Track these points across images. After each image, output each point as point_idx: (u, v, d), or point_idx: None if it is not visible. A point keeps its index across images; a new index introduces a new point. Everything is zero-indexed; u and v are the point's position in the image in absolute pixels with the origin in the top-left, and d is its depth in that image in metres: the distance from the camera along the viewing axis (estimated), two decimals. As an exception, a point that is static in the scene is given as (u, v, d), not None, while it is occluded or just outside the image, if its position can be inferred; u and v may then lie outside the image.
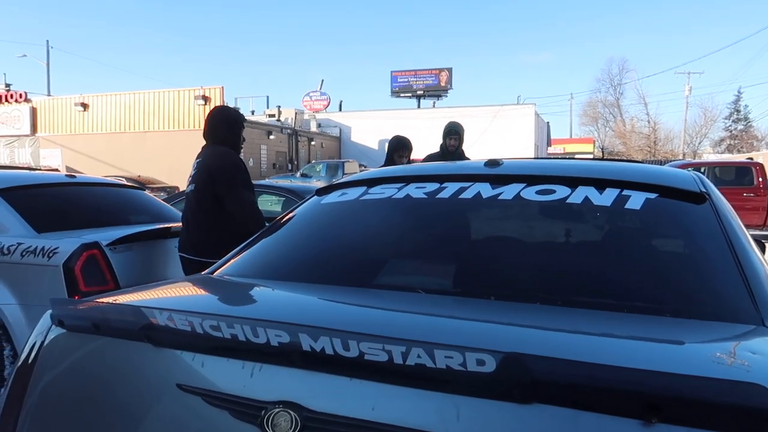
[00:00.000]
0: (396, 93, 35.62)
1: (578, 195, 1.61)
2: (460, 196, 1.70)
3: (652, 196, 1.60)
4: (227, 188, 3.29)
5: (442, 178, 1.84)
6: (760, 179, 12.36)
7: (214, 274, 1.71)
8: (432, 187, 1.79)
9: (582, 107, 58.19)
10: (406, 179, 1.90)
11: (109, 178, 5.08)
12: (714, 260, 1.42)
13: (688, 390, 0.76)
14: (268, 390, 0.95)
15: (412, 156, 5.02)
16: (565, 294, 1.34)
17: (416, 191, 1.79)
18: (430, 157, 5.13)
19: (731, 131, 52.88)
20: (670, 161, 20.69)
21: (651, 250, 1.55)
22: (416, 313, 1.25)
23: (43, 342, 1.27)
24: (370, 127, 30.09)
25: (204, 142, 3.55)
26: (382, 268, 1.61)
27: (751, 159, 15.80)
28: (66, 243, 3.23)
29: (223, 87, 21.56)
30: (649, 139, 52.48)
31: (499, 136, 27.36)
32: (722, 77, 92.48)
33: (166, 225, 3.93)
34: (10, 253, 3.31)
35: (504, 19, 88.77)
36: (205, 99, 21.38)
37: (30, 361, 1.27)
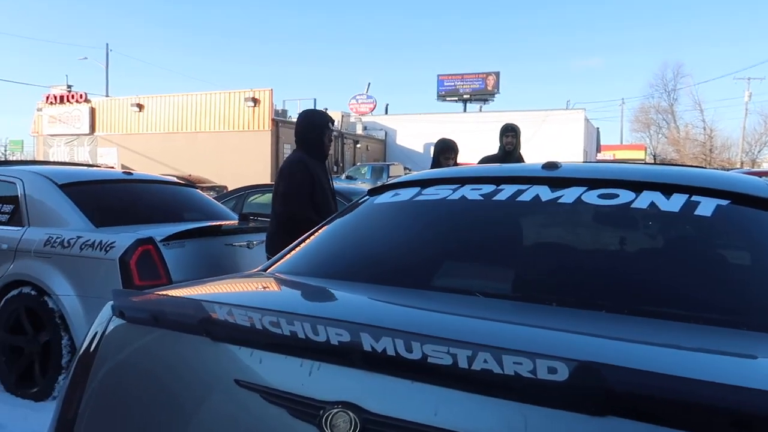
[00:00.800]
0: (442, 97, 35.49)
1: (643, 200, 1.54)
2: (518, 199, 1.65)
3: (724, 202, 1.51)
4: (282, 202, 3.35)
5: (498, 180, 1.79)
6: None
7: (267, 271, 1.71)
8: (488, 189, 1.74)
9: (634, 113, 56.63)
10: (461, 180, 1.86)
11: (161, 176, 5.21)
12: None
13: None
14: (327, 389, 0.93)
15: (459, 159, 4.96)
16: (633, 303, 1.28)
17: (472, 193, 1.75)
18: (487, 159, 5.07)
19: (794, 139, 50.43)
20: (728, 170, 19.91)
21: (723, 259, 1.46)
22: (475, 317, 1.21)
23: (104, 332, 1.29)
24: (415, 131, 30.05)
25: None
26: (438, 270, 1.57)
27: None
28: (122, 238, 3.32)
29: (272, 89, 21.97)
30: (705, 146, 50.56)
31: (548, 142, 26.88)
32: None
33: (218, 222, 4.01)
34: (70, 246, 3.43)
35: (554, 23, 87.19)
36: (255, 101, 21.80)
37: (92, 349, 1.29)
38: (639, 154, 43.10)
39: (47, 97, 26.02)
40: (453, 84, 35.34)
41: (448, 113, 32.54)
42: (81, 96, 25.50)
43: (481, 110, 33.48)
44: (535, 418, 0.81)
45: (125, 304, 1.25)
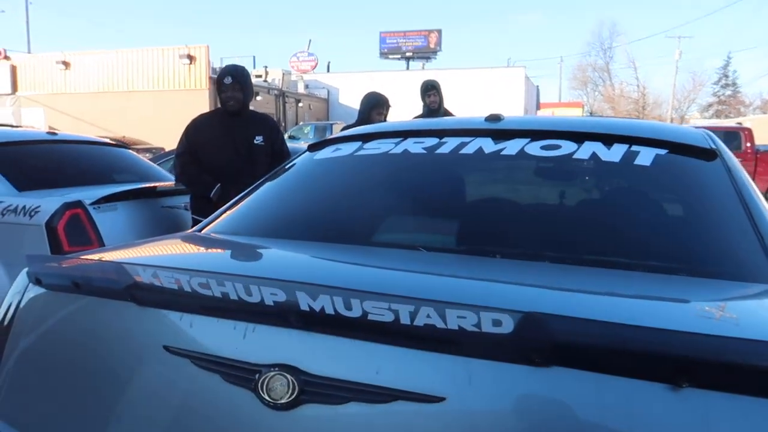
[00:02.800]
0: (385, 54, 35.08)
1: (585, 150, 1.54)
2: (461, 152, 1.62)
3: (662, 152, 1.53)
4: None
5: (441, 133, 1.76)
6: (748, 144, 12.40)
7: (202, 231, 1.63)
8: (431, 142, 1.70)
9: (572, 71, 57.75)
10: (404, 134, 1.81)
11: (91, 137, 4.92)
12: (728, 218, 1.36)
13: (726, 352, 0.71)
14: (262, 352, 0.89)
15: (404, 118, 4.87)
16: (574, 252, 1.28)
17: (414, 146, 1.70)
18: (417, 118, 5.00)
19: (719, 96, 52.83)
20: (660, 126, 20.62)
21: (662, 208, 1.48)
22: (419, 272, 1.18)
23: (20, 302, 1.19)
24: (358, 89, 29.48)
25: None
26: (380, 225, 1.54)
27: (740, 124, 15.80)
28: (48, 202, 3.12)
29: (208, 46, 21.04)
30: (638, 103, 52.31)
31: (489, 99, 27.00)
32: (712, 42, 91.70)
33: (152, 184, 3.82)
34: (-10, 212, 3.20)
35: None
36: (190, 58, 20.86)
37: (6, 323, 1.19)
38: (576, 112, 44.11)
39: (-40, 55, 24.08)
40: (395, 42, 34.94)
41: (391, 71, 32.21)
42: (-1, 53, 23.74)
43: (423, 68, 33.29)
44: (480, 372, 0.79)
45: (42, 270, 1.15)
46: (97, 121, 20.77)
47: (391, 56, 35.15)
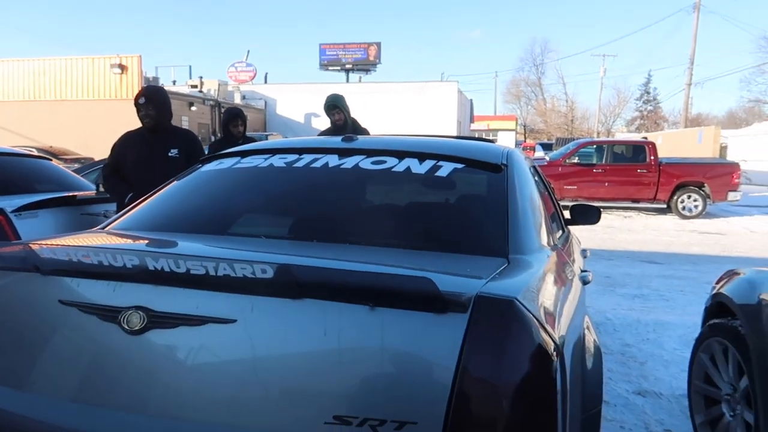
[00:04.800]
0: (324, 66, 35.49)
1: (402, 165, 2.06)
2: (311, 165, 2.11)
3: (459, 166, 2.07)
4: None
5: (302, 151, 2.25)
6: (652, 157, 13.54)
7: (105, 229, 2.05)
8: (291, 157, 2.20)
9: (506, 86, 60.09)
10: (274, 151, 2.30)
11: (14, 148, 5.15)
12: (488, 213, 1.90)
13: (388, 283, 1.21)
14: (124, 299, 1.33)
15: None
16: (371, 237, 1.79)
17: (278, 161, 2.19)
18: (323, 134, 5.26)
19: (642, 111, 56.17)
20: (578, 139, 21.97)
21: (442, 206, 2.03)
22: (248, 250, 1.66)
23: None
24: (296, 100, 29.99)
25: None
26: (237, 220, 2.01)
27: (645, 138, 17.11)
28: (-30, 209, 3.40)
29: (140, 55, 20.92)
30: (567, 117, 54.93)
31: (424, 113, 28.00)
32: (634, 60, 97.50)
33: (72, 193, 4.14)
34: None
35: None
36: (122, 67, 20.70)
37: None
38: (510, 125, 45.92)
39: None
40: (335, 53, 35.39)
41: (329, 83, 32.68)
42: None
43: (360, 80, 33.95)
44: (258, 304, 1.27)
45: None
46: (23, 130, 20.27)
47: (330, 68, 35.63)
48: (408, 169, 2.04)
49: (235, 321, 1.26)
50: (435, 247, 1.74)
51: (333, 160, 2.13)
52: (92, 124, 19.99)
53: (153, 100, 3.88)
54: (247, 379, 1.25)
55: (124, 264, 1.33)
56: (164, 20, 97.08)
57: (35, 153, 5.01)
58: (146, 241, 1.79)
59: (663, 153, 15.76)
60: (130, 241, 1.81)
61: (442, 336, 1.19)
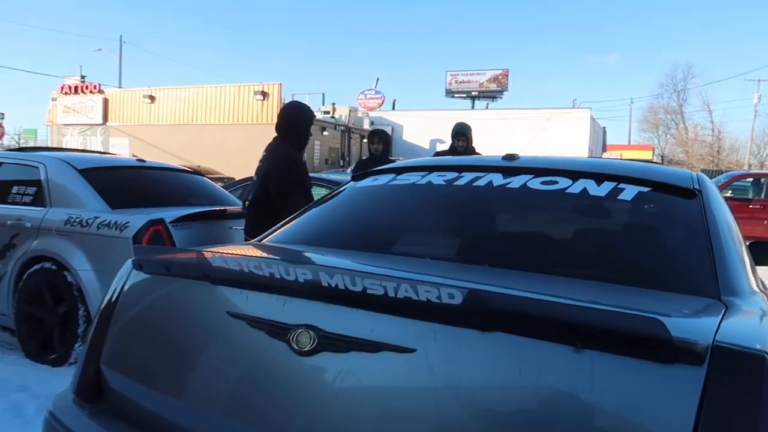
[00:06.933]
0: (450, 93, 35.65)
1: (577, 186, 1.84)
2: (474, 184, 1.96)
3: (645, 189, 1.81)
4: (278, 188, 3.69)
5: (462, 169, 2.10)
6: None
7: (262, 241, 2.03)
8: (451, 175, 2.05)
9: (642, 113, 56.55)
10: (431, 168, 2.17)
11: (173, 165, 5.55)
12: (688, 245, 1.62)
13: (603, 321, 1.00)
14: (294, 316, 1.24)
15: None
16: (552, 265, 1.58)
17: (437, 178, 2.06)
18: (438, 154, 5.58)
19: (802, 142, 50.28)
20: (728, 172, 20.02)
21: (632, 233, 1.76)
22: (419, 272, 1.52)
23: (124, 283, 1.60)
24: (422, 127, 30.32)
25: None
26: (399, 239, 1.89)
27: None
28: (136, 219, 3.65)
29: (281, 83, 22.29)
30: (713, 147, 50.47)
31: (554, 140, 27.09)
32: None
33: (223, 207, 4.34)
34: (88, 225, 3.77)
35: (562, 21, 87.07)
36: (264, 94, 22.14)
37: (114, 299, 1.60)
38: (647, 154, 43.00)
39: (62, 87, 26.53)
40: (462, 80, 35.46)
41: (455, 110, 32.74)
42: (95, 87, 25.99)
43: (487, 107, 33.65)
44: (441, 333, 1.12)
45: (144, 257, 1.56)
46: (175, 150, 22.24)
47: (456, 95, 35.70)
48: (585, 190, 1.82)
49: (414, 351, 1.12)
50: (629, 281, 1.49)
51: (497, 179, 1.96)
52: (234, 145, 21.51)
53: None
54: (423, 416, 1.09)
55: (296, 278, 1.25)
56: (300, 49, 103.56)
57: (189, 169, 5.35)
58: (311, 256, 1.72)
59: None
60: (294, 254, 1.76)
61: (669, 392, 0.97)
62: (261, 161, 3.89)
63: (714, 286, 1.42)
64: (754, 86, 42.32)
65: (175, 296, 1.49)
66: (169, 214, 3.79)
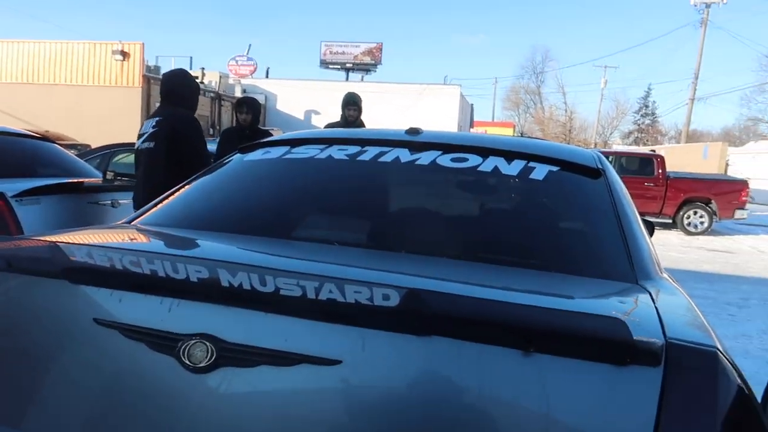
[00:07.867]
0: (325, 64, 35.17)
1: (488, 164, 1.74)
2: (380, 160, 1.78)
3: (555, 168, 1.75)
4: (197, 150, 3.45)
5: (363, 142, 1.92)
6: (660, 170, 13.28)
7: (132, 223, 1.71)
8: (353, 149, 1.86)
9: (506, 92, 60.02)
10: (329, 141, 1.96)
11: (13, 128, 4.79)
12: (602, 228, 1.59)
13: (560, 323, 0.89)
14: (185, 323, 0.99)
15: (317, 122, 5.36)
16: (469, 250, 1.46)
17: (338, 153, 1.86)
18: (330, 126, 5.40)
19: (639, 125, 56.27)
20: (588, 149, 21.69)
21: (548, 215, 1.70)
22: (329, 262, 1.33)
23: None
24: (296, 97, 29.61)
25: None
26: (301, 222, 1.67)
27: (654, 151, 16.88)
28: (-34, 192, 3.06)
29: (143, 43, 20.47)
30: (565, 127, 54.91)
31: (424, 115, 27.64)
32: (635, 73, 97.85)
33: (79, 179, 3.79)
34: None
35: (433, 1, 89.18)
36: (124, 54, 20.22)
37: None
38: (508, 131, 45.69)
39: None
40: (336, 51, 35.10)
41: (330, 80, 32.33)
42: None
43: (362, 80, 33.63)
44: (371, 340, 0.94)
45: None
46: (16, 112, 19.72)
47: (331, 66, 35.29)
48: (497, 169, 1.72)
49: (339, 362, 0.93)
50: (548, 266, 1.42)
51: (404, 155, 1.80)
52: (90, 109, 19.52)
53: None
54: None
55: (187, 275, 0.99)
56: (167, 9, 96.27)
57: (36, 135, 4.63)
58: (202, 244, 1.44)
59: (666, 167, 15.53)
60: (179, 242, 1.47)
61: (627, 395, 0.88)
62: (155, 126, 3.44)
63: (631, 270, 1.39)
64: (601, 72, 46.40)
65: (23, 300, 1.16)
66: (11, 186, 3.22)
